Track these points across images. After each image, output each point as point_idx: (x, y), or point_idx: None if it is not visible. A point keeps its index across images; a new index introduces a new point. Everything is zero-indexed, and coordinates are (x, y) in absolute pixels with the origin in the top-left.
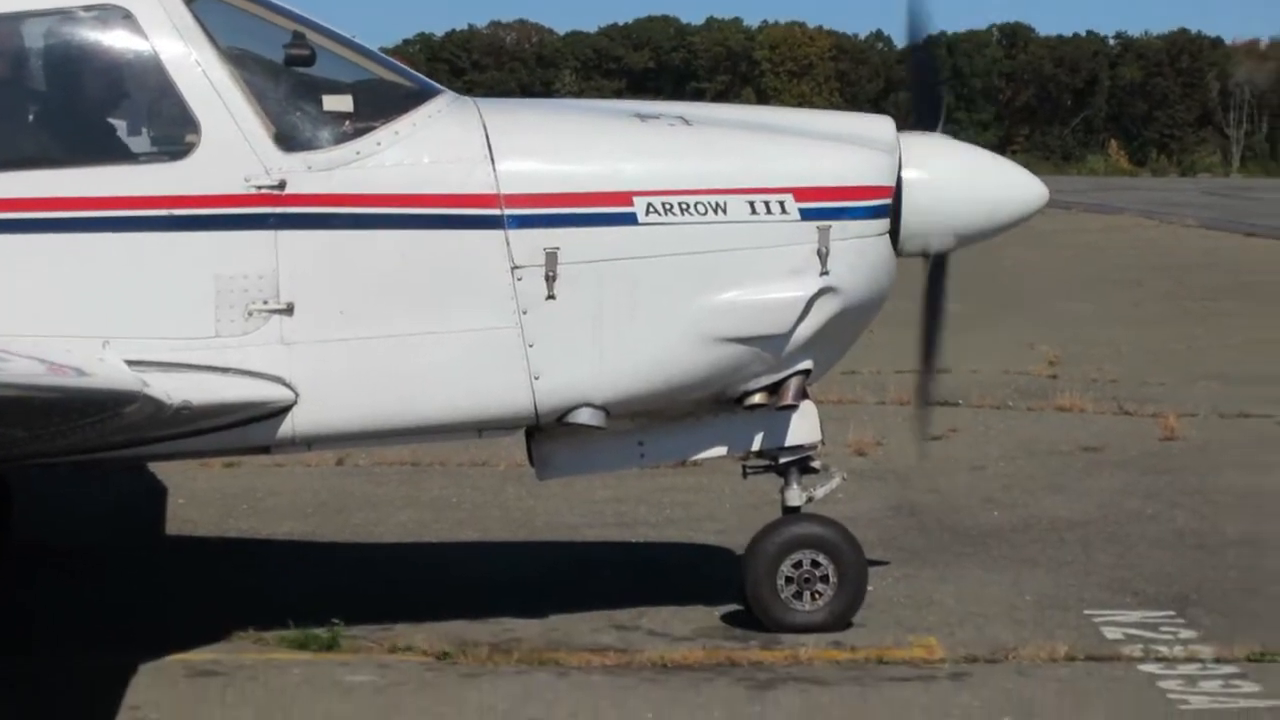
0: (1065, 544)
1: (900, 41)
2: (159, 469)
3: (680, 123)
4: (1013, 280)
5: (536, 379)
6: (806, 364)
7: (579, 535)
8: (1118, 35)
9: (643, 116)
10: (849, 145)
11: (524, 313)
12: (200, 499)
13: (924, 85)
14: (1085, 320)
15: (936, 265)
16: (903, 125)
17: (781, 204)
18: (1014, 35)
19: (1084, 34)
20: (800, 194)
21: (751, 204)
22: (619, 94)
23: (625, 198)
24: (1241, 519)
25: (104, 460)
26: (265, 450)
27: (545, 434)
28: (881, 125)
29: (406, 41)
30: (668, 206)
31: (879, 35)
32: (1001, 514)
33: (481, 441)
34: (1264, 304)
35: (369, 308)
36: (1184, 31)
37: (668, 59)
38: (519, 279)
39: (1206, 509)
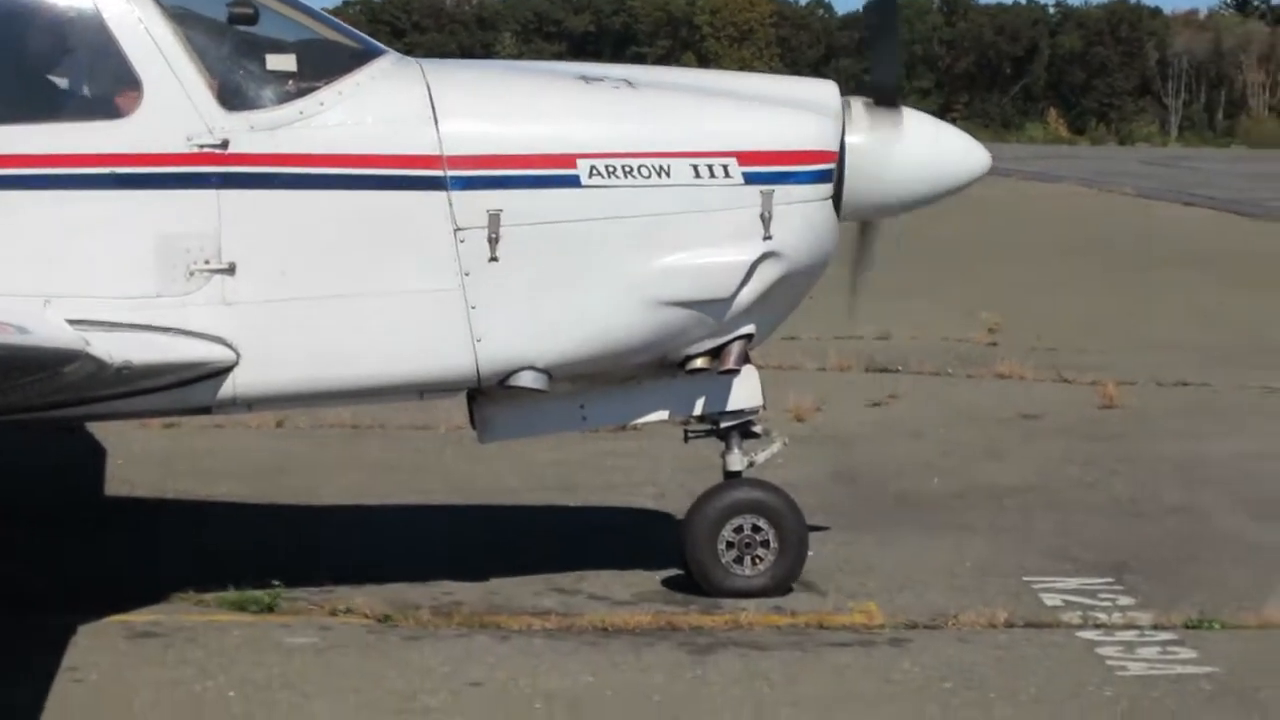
0: (1004, 511)
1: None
2: (98, 429)
3: (624, 85)
4: (954, 247)
5: (479, 341)
6: (748, 328)
7: (520, 499)
8: (1057, 4)
9: (587, 79)
10: (793, 110)
11: (466, 274)
12: (139, 460)
13: (883, 45)
14: (1025, 288)
15: (866, 231)
16: (847, 90)
17: (725, 168)
18: (954, 2)
19: (1024, 2)
20: (744, 158)
21: (695, 167)
22: (559, 58)
23: (569, 160)
24: (1179, 487)
25: (44, 419)
26: (206, 411)
27: (487, 397)
28: (825, 90)
29: (347, 3)
30: (611, 169)
31: (819, 2)
32: (941, 480)
33: (422, 404)
34: (1201, 273)
35: (311, 268)
36: (1123, 1)
37: (608, 23)
38: (462, 241)
39: (1145, 476)
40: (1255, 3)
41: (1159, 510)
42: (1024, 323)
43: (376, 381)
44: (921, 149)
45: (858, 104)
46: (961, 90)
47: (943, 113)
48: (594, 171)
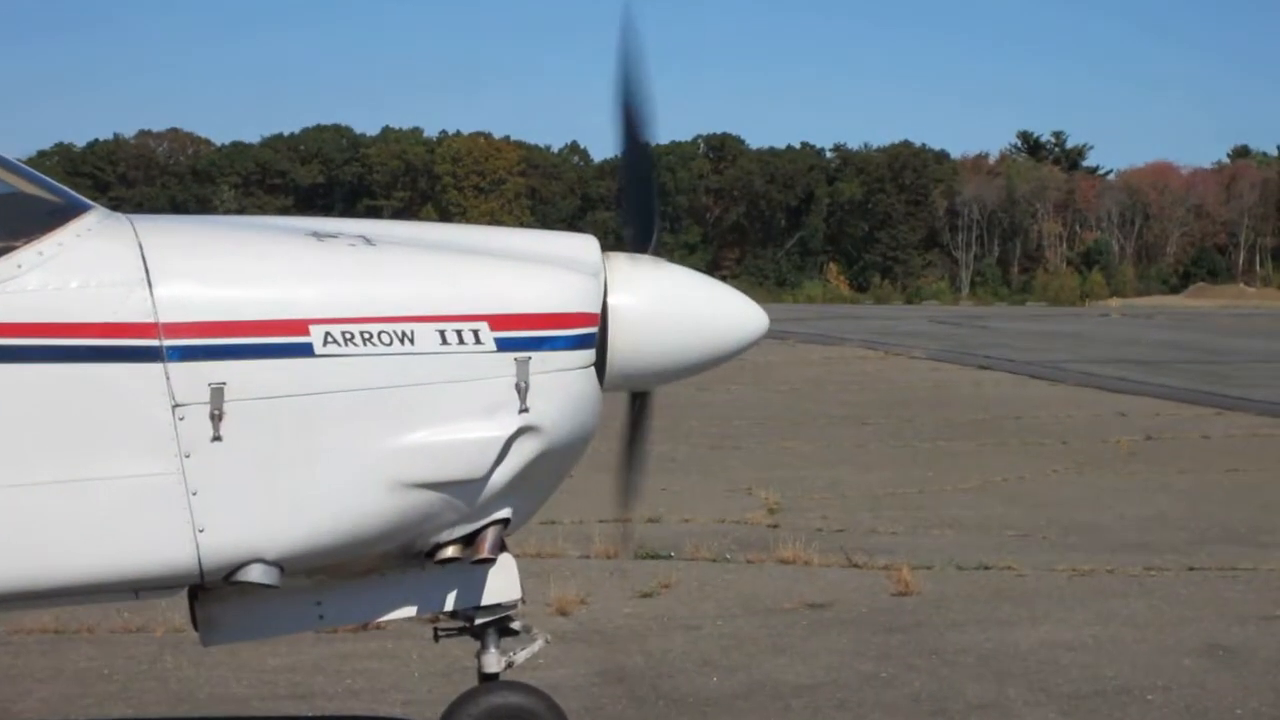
0: (791, 712)
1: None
2: None
3: (361, 242)
4: (727, 418)
5: (200, 532)
6: (505, 512)
7: (248, 709)
8: (835, 148)
9: (319, 236)
10: (549, 268)
11: (186, 456)
12: None
13: (638, 196)
14: (807, 462)
15: (639, 401)
16: (608, 245)
17: (475, 333)
18: (722, 148)
19: (798, 146)
20: (496, 322)
21: (442, 333)
22: (285, 212)
23: (300, 326)
24: (982, 681)
25: None
26: None
27: (210, 594)
28: (584, 245)
29: (43, 153)
30: (348, 336)
31: (574, 148)
32: (720, 679)
33: (137, 604)
34: (999, 443)
35: (6, 451)
36: (906, 145)
37: (339, 174)
38: (180, 418)
39: (945, 671)
40: (1048, 146)
41: (962, 708)
42: (807, 501)
43: (83, 580)
44: (692, 310)
45: (619, 260)
46: (732, 245)
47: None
48: (329, 339)
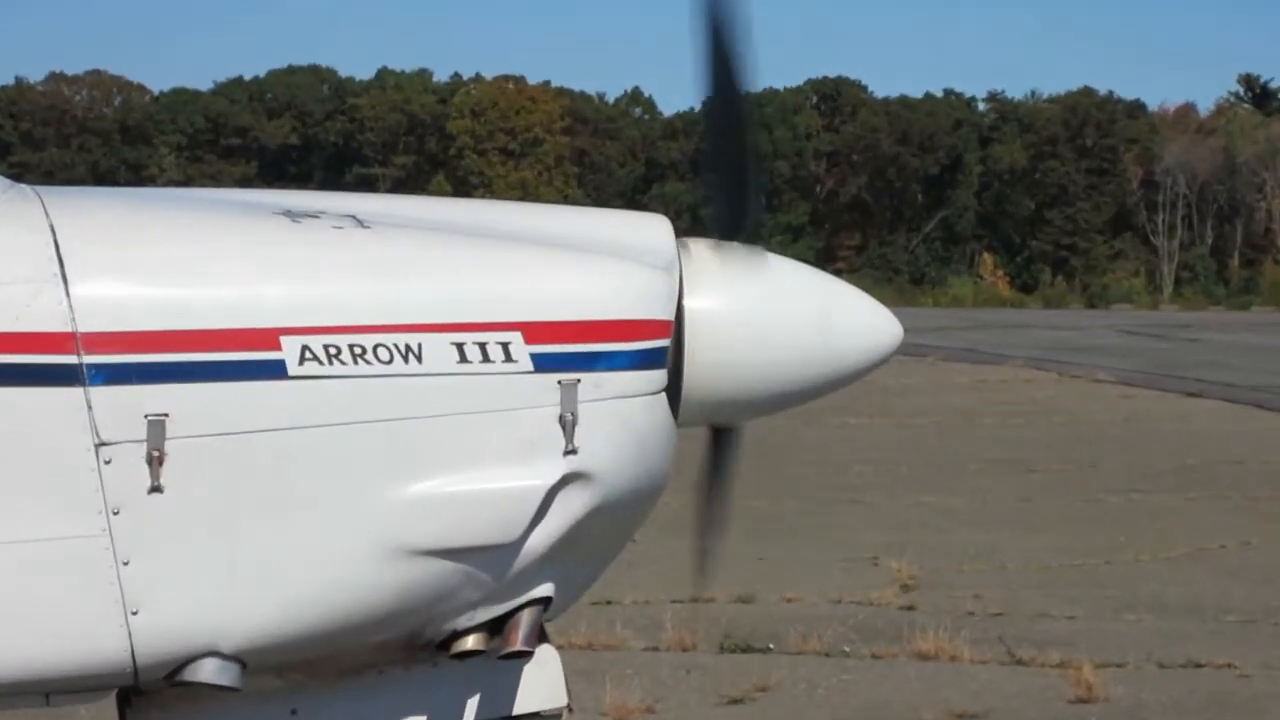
0: None
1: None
2: None
3: (351, 225)
4: (844, 463)
5: (133, 614)
6: (544, 589)
7: None
8: (991, 98)
9: (294, 216)
10: (604, 259)
11: (114, 513)
12: None
13: (727, 163)
14: (953, 522)
15: (723, 439)
16: (684, 229)
17: (505, 347)
18: (837, 97)
19: (940, 95)
20: (532, 332)
21: (459, 347)
22: (248, 182)
23: (269, 338)
24: None
25: None
26: None
27: (149, 698)
28: (652, 229)
29: None
30: (333, 351)
31: (635, 97)
32: None
33: (47, 713)
34: (1215, 496)
35: None
36: (1088, 93)
37: (318, 133)
38: (106, 461)
39: None
40: None
41: None
42: (953, 574)
43: None
44: (799, 317)
45: (701, 249)
46: (850, 228)
47: (824, 261)
48: (306, 355)
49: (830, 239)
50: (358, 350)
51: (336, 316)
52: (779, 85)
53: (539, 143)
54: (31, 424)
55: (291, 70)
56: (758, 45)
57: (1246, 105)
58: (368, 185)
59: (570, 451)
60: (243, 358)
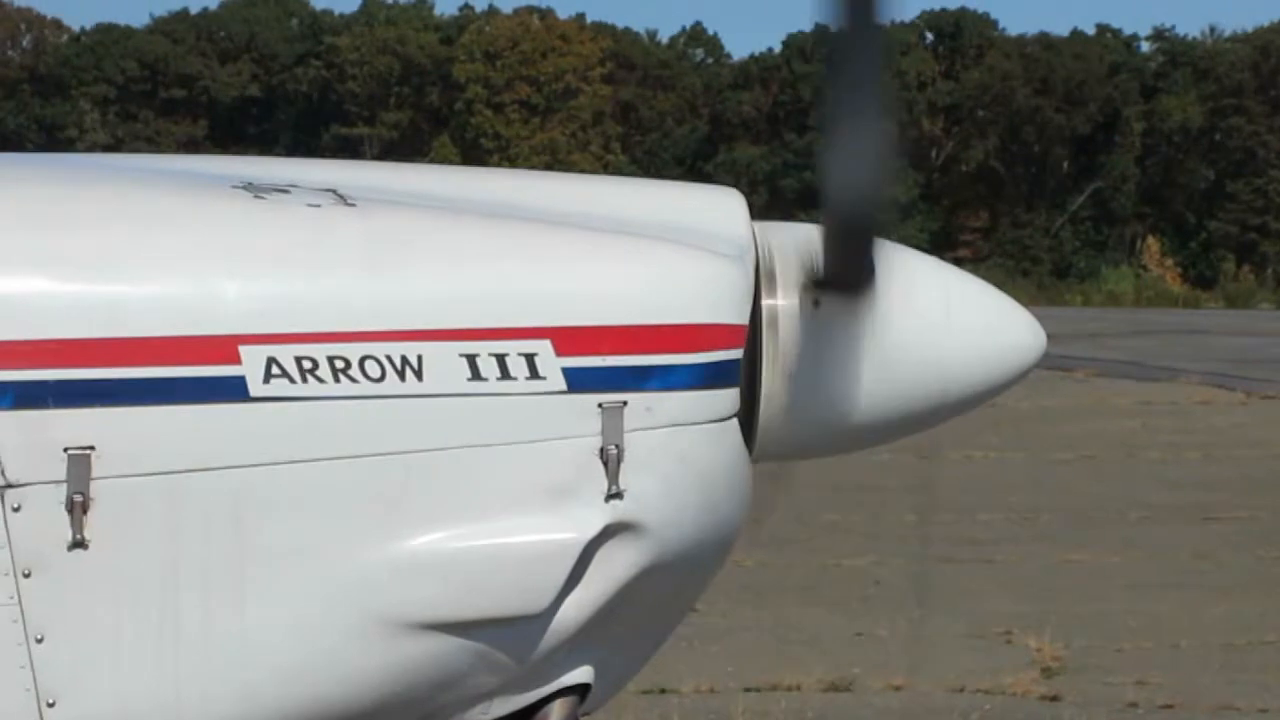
0: None
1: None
2: None
3: (331, 202)
4: (967, 509)
5: (50, 706)
6: (581, 675)
7: None
8: (1157, 34)
9: (257, 191)
10: (658, 247)
11: (25, 575)
12: None
13: (857, 123)
14: (1109, 586)
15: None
16: (763, 208)
17: (529, 360)
18: (958, 35)
19: (1091, 33)
20: (565, 341)
21: (471, 360)
22: (196, 146)
23: (225, 348)
24: None
25: None
26: None
27: None
28: (720, 206)
29: None
30: (307, 365)
31: (697, 34)
32: None
33: None
34: None
35: None
36: None
37: (287, 80)
38: (15, 508)
39: None
40: None
41: None
42: (1110, 653)
43: None
44: (915, 320)
45: (786, 235)
46: (974, 203)
47: (941, 247)
48: (273, 370)
49: (949, 218)
50: (339, 364)
51: (312, 321)
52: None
53: (572, 94)
54: None
55: (251, 2)
56: None
57: None
58: (351, 150)
59: (614, 496)
60: (192, 374)
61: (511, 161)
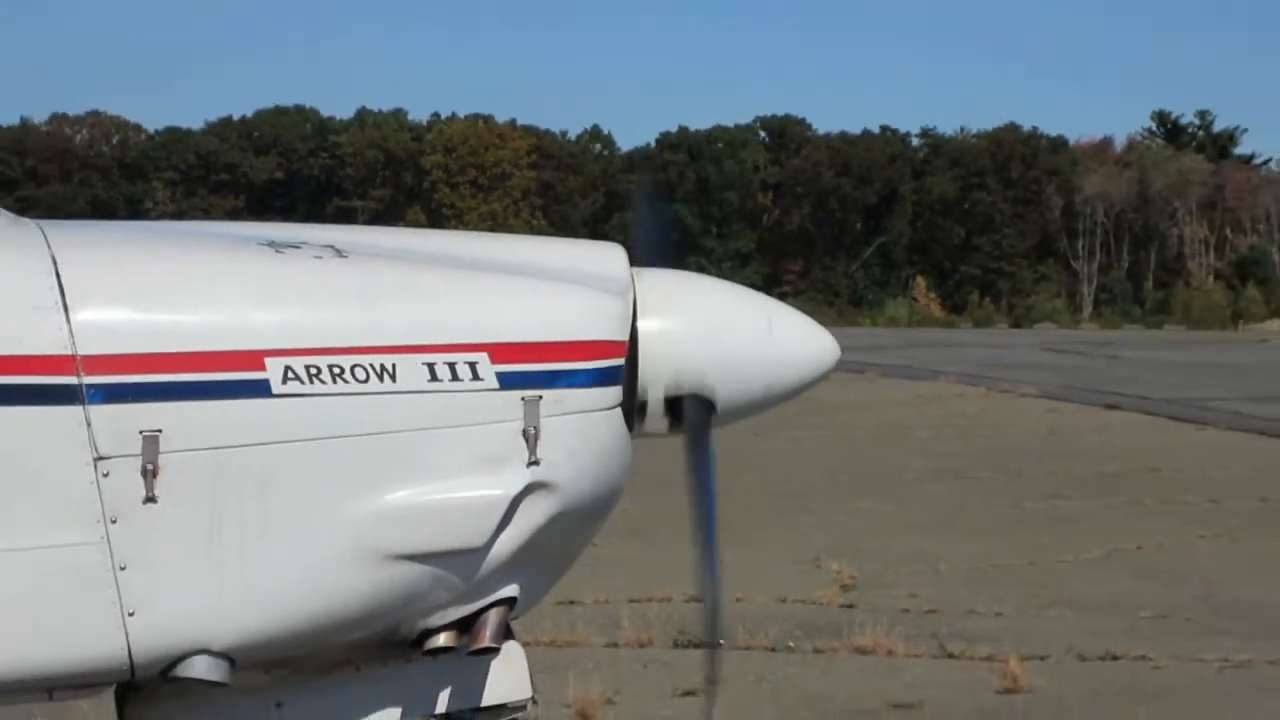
0: None
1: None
2: None
3: (331, 255)
4: (789, 472)
5: (130, 616)
6: (510, 590)
7: None
8: (924, 133)
9: (277, 246)
10: (564, 285)
11: (112, 522)
12: None
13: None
14: (889, 527)
15: (698, 439)
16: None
17: (473, 366)
18: (783, 133)
19: (877, 131)
20: (498, 353)
21: (431, 367)
22: (236, 215)
23: (254, 359)
24: None
25: None
26: None
27: (145, 693)
28: (609, 256)
29: None
30: (313, 371)
31: (595, 134)
32: None
33: (50, 707)
34: (1131, 502)
35: None
36: (1012, 129)
37: (302, 168)
38: (105, 474)
39: None
40: (1190, 130)
41: None
42: (890, 575)
43: None
44: (744, 336)
45: (653, 276)
46: (794, 254)
47: (770, 285)
48: (289, 375)
49: (776, 265)
50: (336, 370)
51: (317, 339)
52: (729, 122)
53: (507, 177)
54: (35, 440)
55: (278, 110)
56: (707, 82)
57: (1159, 140)
58: (347, 217)
59: (533, 463)
60: (230, 378)
61: (464, 225)
